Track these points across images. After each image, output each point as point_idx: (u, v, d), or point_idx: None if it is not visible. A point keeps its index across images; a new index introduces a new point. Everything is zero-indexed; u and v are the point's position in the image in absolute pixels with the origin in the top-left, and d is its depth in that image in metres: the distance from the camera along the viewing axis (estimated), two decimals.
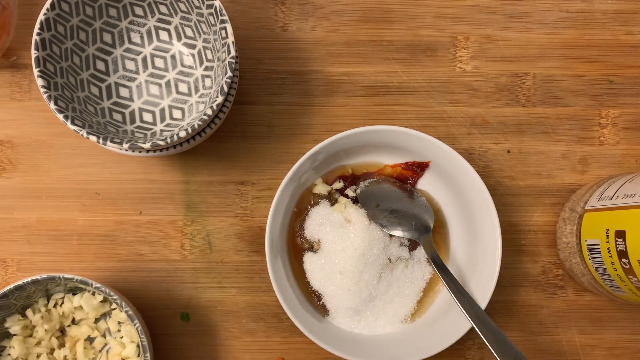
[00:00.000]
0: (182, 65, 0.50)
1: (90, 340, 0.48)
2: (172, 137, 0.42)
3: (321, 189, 0.48)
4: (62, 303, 0.47)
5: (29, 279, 0.43)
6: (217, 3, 0.43)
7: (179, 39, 0.50)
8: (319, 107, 0.52)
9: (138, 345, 0.47)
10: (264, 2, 0.52)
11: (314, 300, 0.48)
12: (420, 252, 0.49)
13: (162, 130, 0.49)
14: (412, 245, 0.49)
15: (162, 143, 0.42)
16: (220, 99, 0.42)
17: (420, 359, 0.44)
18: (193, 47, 0.49)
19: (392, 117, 0.52)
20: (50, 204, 0.51)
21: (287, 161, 0.51)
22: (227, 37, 0.43)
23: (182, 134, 0.42)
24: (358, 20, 0.52)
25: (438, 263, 0.45)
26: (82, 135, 0.41)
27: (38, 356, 0.47)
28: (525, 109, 0.52)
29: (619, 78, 0.53)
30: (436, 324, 0.47)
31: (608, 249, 0.43)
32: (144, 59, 0.50)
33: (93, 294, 0.47)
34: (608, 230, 0.43)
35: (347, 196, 0.49)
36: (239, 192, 0.51)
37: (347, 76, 0.52)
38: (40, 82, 0.42)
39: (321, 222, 0.47)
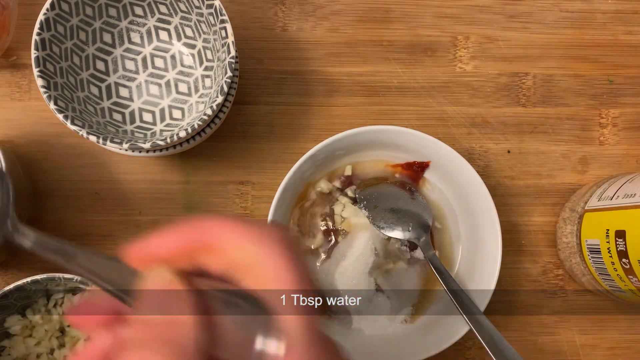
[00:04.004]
0: (182, 65, 0.50)
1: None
2: (172, 137, 0.42)
3: (321, 188, 0.48)
4: (62, 303, 0.47)
5: (29, 279, 0.43)
6: (217, 3, 0.43)
7: (179, 39, 0.50)
8: (318, 107, 0.52)
9: None
10: (264, 2, 0.52)
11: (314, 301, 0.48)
12: (421, 252, 0.48)
13: (162, 130, 0.49)
14: (413, 245, 0.48)
15: (162, 143, 0.42)
16: (220, 99, 0.42)
17: (420, 359, 0.44)
18: (193, 47, 0.49)
19: (392, 117, 0.52)
20: (50, 204, 0.51)
21: (287, 161, 0.51)
22: (227, 37, 0.43)
23: (182, 134, 0.42)
24: (358, 20, 0.52)
25: (436, 264, 0.45)
26: (82, 135, 0.41)
27: (38, 356, 0.46)
28: (525, 109, 0.52)
29: (619, 78, 0.53)
30: (436, 324, 0.47)
31: (608, 249, 0.43)
32: (144, 59, 0.50)
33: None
34: (608, 230, 0.43)
35: (347, 196, 0.49)
36: (239, 192, 0.51)
37: (347, 76, 0.52)
38: (40, 82, 0.42)
39: (320, 222, 0.47)
